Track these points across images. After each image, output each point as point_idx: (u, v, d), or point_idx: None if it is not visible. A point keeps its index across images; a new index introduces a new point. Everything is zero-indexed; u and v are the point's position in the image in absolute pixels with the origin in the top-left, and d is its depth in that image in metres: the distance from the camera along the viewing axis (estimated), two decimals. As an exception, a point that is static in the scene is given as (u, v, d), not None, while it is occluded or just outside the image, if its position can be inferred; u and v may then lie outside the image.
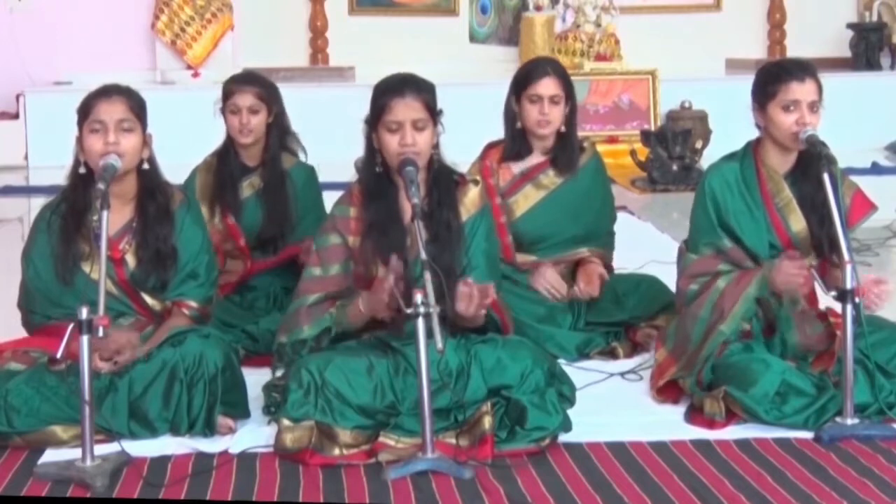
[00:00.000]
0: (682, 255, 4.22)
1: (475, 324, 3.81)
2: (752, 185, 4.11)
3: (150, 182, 3.96)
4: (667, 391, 4.09)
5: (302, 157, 5.05)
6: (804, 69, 4.06)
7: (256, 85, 4.91)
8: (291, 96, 5.11)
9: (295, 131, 5.05)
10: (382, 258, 3.81)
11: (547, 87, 4.73)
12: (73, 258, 3.88)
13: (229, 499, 3.39)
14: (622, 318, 4.74)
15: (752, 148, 4.16)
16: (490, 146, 4.94)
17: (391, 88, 3.82)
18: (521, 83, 4.79)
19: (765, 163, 4.12)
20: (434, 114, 3.84)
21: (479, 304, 3.68)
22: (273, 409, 3.86)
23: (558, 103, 4.74)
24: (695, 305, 4.07)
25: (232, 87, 4.90)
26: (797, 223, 4.08)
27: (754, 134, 4.19)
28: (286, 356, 3.89)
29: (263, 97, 4.87)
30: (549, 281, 4.77)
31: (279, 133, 4.95)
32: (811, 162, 4.01)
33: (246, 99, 4.84)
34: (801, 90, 4.01)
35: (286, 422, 3.62)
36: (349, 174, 3.93)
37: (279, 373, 4.00)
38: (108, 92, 3.88)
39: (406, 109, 3.78)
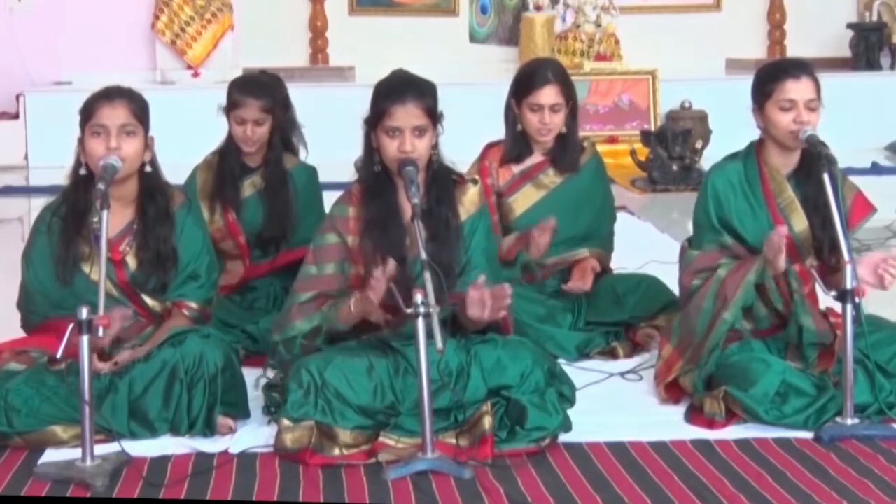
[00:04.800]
0: (684, 252, 4.21)
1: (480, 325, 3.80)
2: (754, 184, 4.10)
3: (151, 184, 3.95)
4: (669, 391, 4.08)
5: (303, 152, 5.04)
6: (800, 67, 4.06)
7: (262, 96, 4.82)
8: (291, 96, 5.10)
9: (301, 123, 5.03)
10: (383, 257, 3.81)
11: (548, 95, 4.71)
12: (72, 259, 3.87)
13: (229, 499, 3.38)
14: (622, 318, 4.74)
15: (755, 148, 4.16)
16: (490, 146, 4.94)
17: (392, 93, 3.79)
18: (522, 90, 4.76)
19: (767, 163, 4.11)
20: (434, 117, 3.82)
21: (496, 307, 3.66)
22: (273, 409, 3.87)
23: (559, 111, 4.74)
24: (697, 297, 4.05)
25: (237, 97, 4.81)
26: (799, 223, 4.07)
27: (754, 134, 4.18)
28: (279, 354, 3.89)
29: (268, 108, 4.81)
30: (545, 242, 4.64)
31: (282, 134, 4.93)
32: (814, 162, 4.00)
33: (251, 112, 4.78)
34: (796, 88, 4.01)
35: (286, 422, 3.62)
36: (349, 174, 3.91)
37: (271, 372, 4.02)
38: (110, 95, 3.87)
39: (406, 116, 3.76)
